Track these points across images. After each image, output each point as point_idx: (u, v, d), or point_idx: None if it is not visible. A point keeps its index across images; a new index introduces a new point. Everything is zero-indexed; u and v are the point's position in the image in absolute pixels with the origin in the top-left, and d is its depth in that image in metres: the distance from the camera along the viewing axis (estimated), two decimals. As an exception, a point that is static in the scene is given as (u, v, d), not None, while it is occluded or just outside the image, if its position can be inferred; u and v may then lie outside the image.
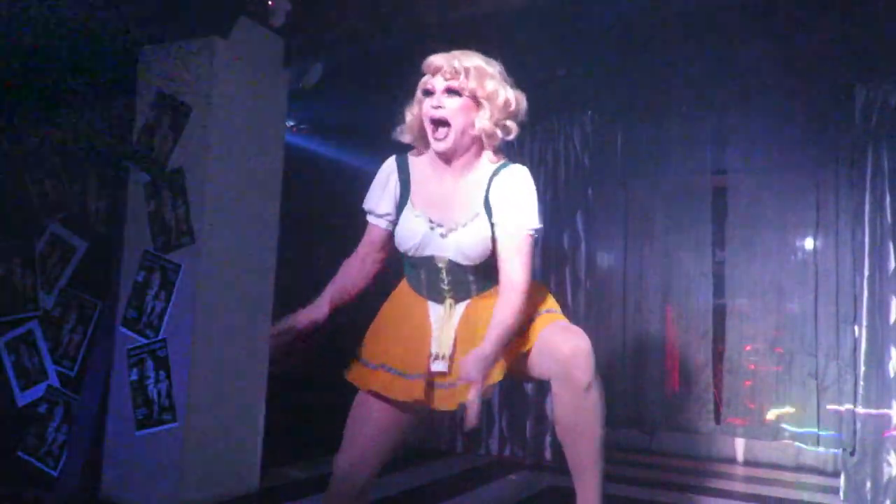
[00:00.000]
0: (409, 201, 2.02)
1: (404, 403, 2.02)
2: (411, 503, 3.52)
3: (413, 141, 2.05)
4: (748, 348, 4.67)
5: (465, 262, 1.96)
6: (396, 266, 2.18)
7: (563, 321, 1.97)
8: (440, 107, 1.93)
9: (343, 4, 3.51)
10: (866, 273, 3.86)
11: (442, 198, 1.99)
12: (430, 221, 1.97)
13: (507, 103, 1.97)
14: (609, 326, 4.85)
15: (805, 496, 3.94)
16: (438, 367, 1.95)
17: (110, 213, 3.81)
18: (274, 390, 3.67)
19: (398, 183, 2.04)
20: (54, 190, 4.03)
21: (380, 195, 2.07)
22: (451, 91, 1.93)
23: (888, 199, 3.85)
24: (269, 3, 3.39)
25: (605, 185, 4.90)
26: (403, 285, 2.13)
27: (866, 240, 3.87)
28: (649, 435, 4.90)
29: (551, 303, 2.06)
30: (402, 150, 2.13)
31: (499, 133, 1.97)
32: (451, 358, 1.94)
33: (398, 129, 2.06)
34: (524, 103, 2.02)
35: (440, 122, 1.94)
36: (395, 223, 2.05)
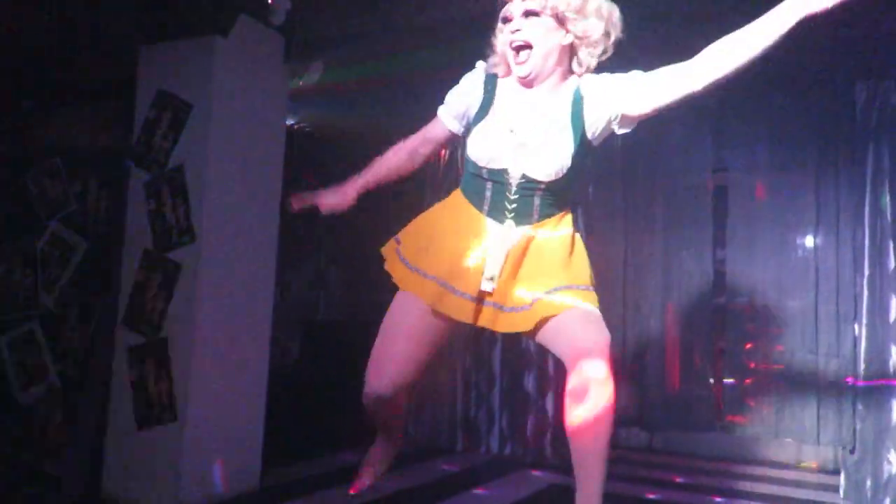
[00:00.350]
0: (489, 112, 1.95)
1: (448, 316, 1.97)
2: (411, 502, 3.52)
3: (504, 74, 1.99)
4: (749, 346, 4.67)
5: (540, 178, 1.90)
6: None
7: (593, 308, 1.92)
8: (518, 30, 1.87)
9: (343, 3, 3.51)
10: (866, 272, 3.86)
11: (525, 114, 1.92)
12: (512, 133, 1.90)
13: (598, 13, 1.88)
14: (609, 325, 4.82)
15: (805, 494, 3.95)
16: (486, 286, 1.93)
17: (110, 212, 3.82)
18: (274, 389, 3.67)
19: (483, 92, 1.97)
20: (54, 189, 4.03)
21: (462, 96, 2.00)
22: (529, 13, 1.86)
23: (888, 198, 3.85)
24: (270, 1, 3.39)
25: (606, 182, 4.90)
26: (458, 198, 2.05)
27: (866, 239, 3.87)
28: (650, 433, 4.90)
29: (586, 274, 1.99)
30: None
31: (589, 49, 1.90)
32: (498, 280, 1.92)
33: (489, 62, 2.01)
34: (617, 13, 1.92)
35: (521, 48, 1.87)
36: (466, 129, 2.00)
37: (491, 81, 1.97)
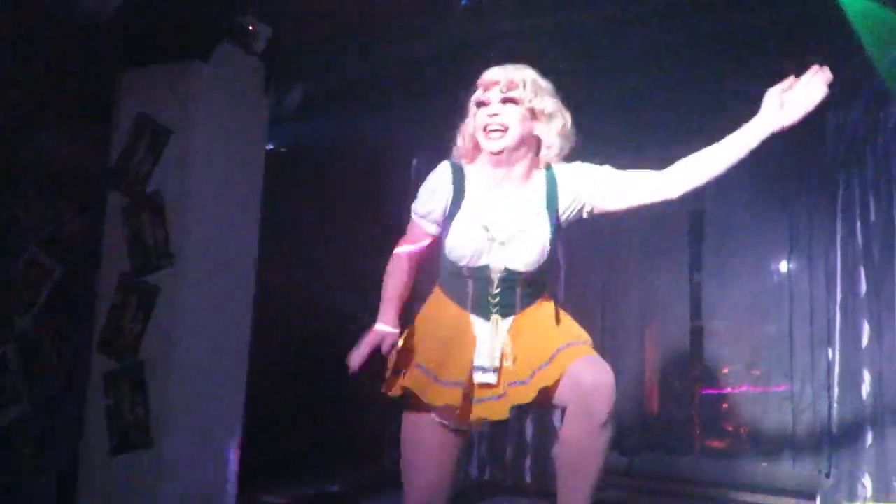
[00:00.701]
0: (461, 207, 1.95)
1: (444, 414, 1.97)
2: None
3: (471, 160, 2.01)
4: (725, 370, 4.71)
5: (522, 269, 1.91)
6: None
7: (594, 356, 1.92)
8: (497, 114, 1.90)
9: (324, 30, 3.54)
10: (839, 297, 3.92)
11: (498, 205, 1.94)
12: (487, 230, 1.91)
13: (564, 131, 1.97)
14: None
15: (782, 518, 3.97)
16: (487, 378, 1.93)
17: (88, 236, 3.79)
18: (252, 415, 3.64)
19: (452, 187, 1.96)
20: (31, 212, 4.00)
21: (434, 199, 1.98)
22: (508, 101, 1.91)
23: (859, 224, 3.93)
24: (251, 27, 3.42)
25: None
26: (440, 298, 2.06)
27: (839, 264, 3.94)
28: (629, 457, 4.91)
29: (581, 333, 2.01)
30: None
31: (557, 148, 1.96)
32: (499, 370, 1.92)
33: (453, 152, 2.03)
34: (572, 136, 2.01)
35: (497, 130, 1.90)
36: (444, 230, 1.99)
37: (458, 174, 1.97)
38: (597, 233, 5.03)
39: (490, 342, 1.93)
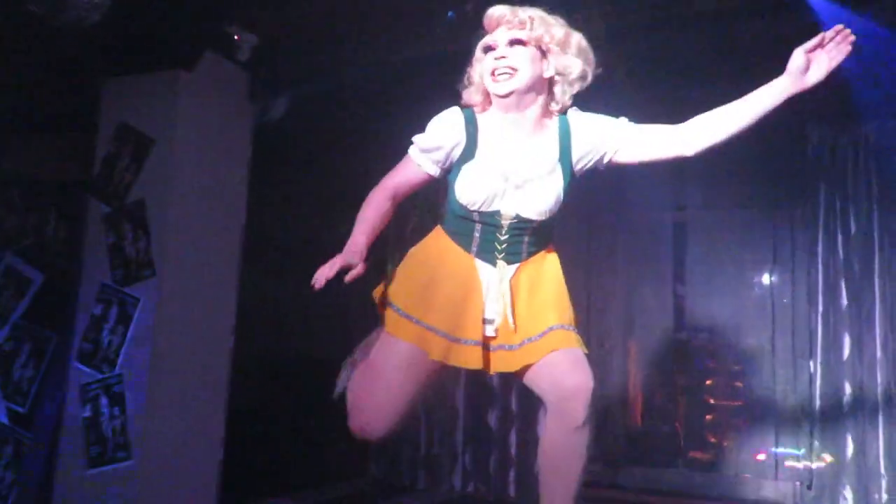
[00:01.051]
0: (475, 154, 1.89)
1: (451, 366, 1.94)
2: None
3: (483, 103, 1.94)
4: (709, 383, 4.72)
5: (534, 217, 1.89)
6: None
7: (579, 350, 1.89)
8: (504, 56, 1.83)
9: (308, 40, 3.53)
10: (820, 309, 3.95)
11: (513, 151, 1.89)
12: (505, 177, 1.87)
13: (580, 50, 1.89)
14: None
15: (765, 530, 3.98)
16: (489, 331, 1.92)
17: (68, 245, 3.75)
18: (234, 427, 3.61)
19: (465, 134, 1.89)
20: (11, 220, 3.95)
21: (442, 139, 1.90)
22: (515, 42, 1.85)
23: (840, 237, 3.96)
24: (235, 37, 3.41)
25: (569, 219, 4.96)
26: (443, 239, 2.00)
27: (820, 277, 3.97)
28: (613, 469, 4.90)
29: (571, 314, 1.98)
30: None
31: (565, 87, 1.90)
32: (504, 321, 1.91)
33: (465, 95, 1.96)
34: (592, 54, 1.92)
35: (506, 73, 1.84)
36: (447, 172, 1.94)
37: (472, 121, 1.91)
38: (582, 244, 5.05)
39: (496, 289, 1.91)
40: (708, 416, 4.68)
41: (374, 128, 4.14)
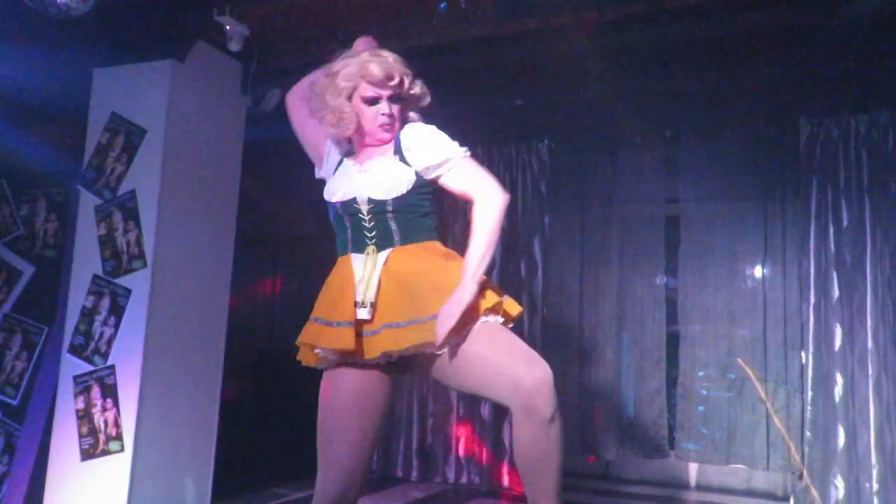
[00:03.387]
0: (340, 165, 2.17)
1: (344, 356, 1.99)
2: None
3: (350, 133, 2.13)
4: (701, 374, 4.74)
5: (382, 196, 2.00)
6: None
7: (509, 339, 1.92)
8: (392, 115, 2.08)
9: (300, 31, 3.52)
10: (812, 301, 3.98)
11: (365, 156, 2.12)
12: (353, 167, 2.10)
13: (425, 94, 2.17)
14: (565, 352, 4.89)
15: (756, 520, 4.00)
16: (362, 314, 1.96)
17: (59, 237, 3.73)
18: (226, 420, 3.60)
19: (337, 161, 2.19)
20: (1, 212, 3.93)
21: (327, 157, 2.22)
22: (395, 99, 2.09)
23: (832, 229, 3.98)
24: (228, 27, 3.38)
25: (562, 212, 4.97)
26: (338, 260, 2.13)
27: (811, 269, 3.99)
28: (605, 461, 4.93)
29: (492, 297, 1.98)
30: None
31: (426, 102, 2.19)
32: (374, 305, 1.96)
33: (337, 127, 2.12)
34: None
35: (388, 125, 2.09)
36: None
37: (333, 150, 2.21)
38: (575, 237, 5.06)
39: (362, 271, 2.00)
40: (700, 407, 4.70)
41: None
